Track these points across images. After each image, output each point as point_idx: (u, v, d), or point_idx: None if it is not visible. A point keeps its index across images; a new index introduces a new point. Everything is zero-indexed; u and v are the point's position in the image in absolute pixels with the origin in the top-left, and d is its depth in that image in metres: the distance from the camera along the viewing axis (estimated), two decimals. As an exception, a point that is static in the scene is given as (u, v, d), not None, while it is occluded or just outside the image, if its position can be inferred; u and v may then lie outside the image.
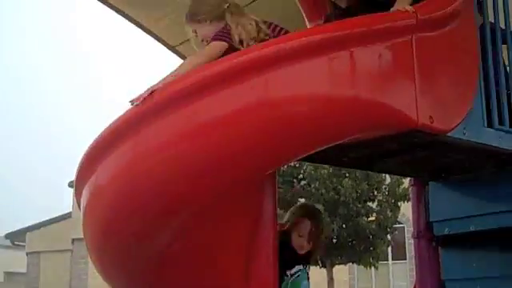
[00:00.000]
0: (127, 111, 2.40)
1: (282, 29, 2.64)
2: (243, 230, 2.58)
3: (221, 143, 2.26)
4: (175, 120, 2.31)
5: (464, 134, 2.81)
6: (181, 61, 5.14)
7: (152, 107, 2.33)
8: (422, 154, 3.13)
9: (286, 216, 3.14)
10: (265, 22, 2.66)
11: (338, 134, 2.45)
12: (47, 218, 25.44)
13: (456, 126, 2.74)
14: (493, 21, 3.16)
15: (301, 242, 2.98)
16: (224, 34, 2.58)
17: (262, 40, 2.54)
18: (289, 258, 2.91)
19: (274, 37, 2.57)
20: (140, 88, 2.40)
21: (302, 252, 2.99)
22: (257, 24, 2.62)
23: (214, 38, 2.58)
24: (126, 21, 4.80)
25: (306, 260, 3.05)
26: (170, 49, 5.07)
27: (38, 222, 25.58)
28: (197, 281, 2.67)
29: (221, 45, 2.53)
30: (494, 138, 3.01)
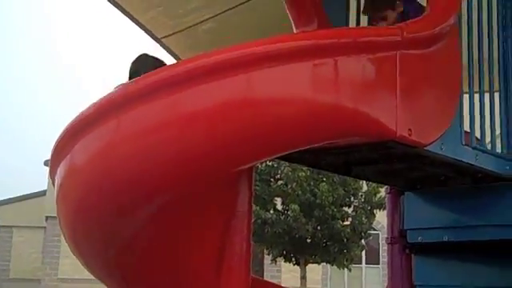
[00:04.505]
0: (110, 93, 2.41)
1: None
2: (216, 225, 2.60)
3: (200, 135, 2.28)
4: (157, 108, 2.32)
5: (441, 149, 2.86)
6: (166, 54, 5.15)
7: (135, 92, 2.34)
8: (398, 165, 3.18)
9: None
10: None
11: (316, 137, 2.47)
12: (21, 194, 25.29)
13: (434, 141, 2.78)
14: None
15: None
16: None
17: None
18: None
19: None
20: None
21: None
22: None
23: None
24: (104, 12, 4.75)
25: None
26: (156, 40, 5.04)
27: (11, 197, 25.41)
28: (167, 271, 2.69)
29: None
30: (470, 156, 3.07)
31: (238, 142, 2.30)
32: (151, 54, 3.46)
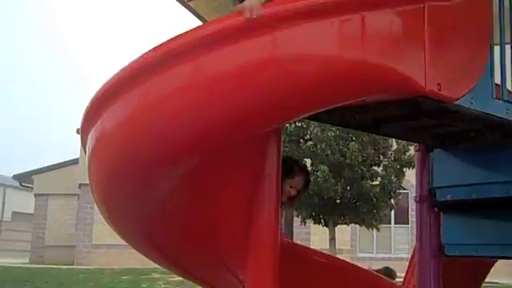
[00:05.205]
0: (135, 59, 2.42)
1: None
2: (245, 185, 2.62)
3: (226, 98, 2.29)
4: (183, 72, 2.32)
5: (471, 103, 2.81)
6: (192, 17, 5.12)
7: (161, 57, 2.35)
8: (428, 121, 3.15)
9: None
10: None
11: (345, 95, 2.46)
12: (55, 163, 25.70)
13: (464, 95, 2.74)
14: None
15: (290, 192, 3.31)
16: None
17: None
18: None
19: None
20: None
21: (283, 199, 3.23)
22: None
23: None
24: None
25: None
26: (183, 4, 5.00)
27: (46, 165, 25.83)
28: (197, 231, 2.73)
29: None
30: (501, 110, 3.01)
31: (268, 102, 2.30)
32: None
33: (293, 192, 3.34)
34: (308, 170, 3.60)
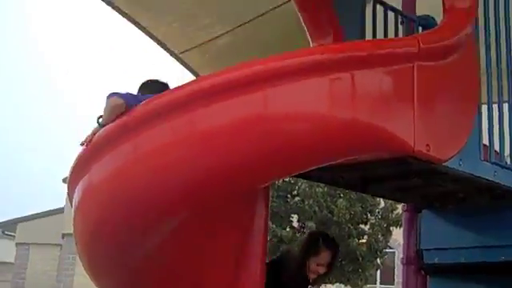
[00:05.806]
0: (126, 114, 2.41)
1: None
2: (232, 242, 2.58)
3: (215, 154, 2.27)
4: (172, 128, 2.33)
5: (460, 165, 2.81)
6: (184, 70, 5.19)
7: (150, 113, 2.35)
8: (416, 182, 3.13)
9: (302, 242, 3.39)
10: None
11: (333, 154, 2.45)
12: (39, 211, 25.38)
13: (452, 157, 2.74)
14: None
15: (318, 270, 3.22)
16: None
17: None
18: (301, 283, 3.16)
19: None
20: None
21: (313, 277, 3.21)
22: None
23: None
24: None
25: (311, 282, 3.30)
26: (173, 56, 5.06)
27: (30, 213, 25.51)
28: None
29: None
30: (489, 172, 3.02)
31: (255, 161, 2.29)
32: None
33: (322, 270, 3.23)
34: (335, 241, 3.47)
